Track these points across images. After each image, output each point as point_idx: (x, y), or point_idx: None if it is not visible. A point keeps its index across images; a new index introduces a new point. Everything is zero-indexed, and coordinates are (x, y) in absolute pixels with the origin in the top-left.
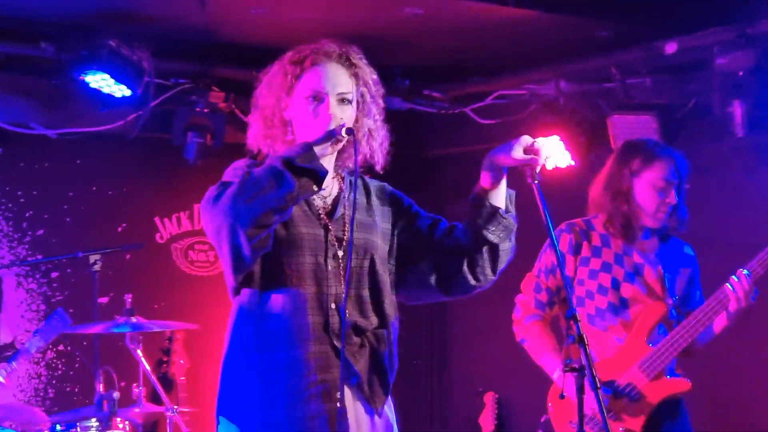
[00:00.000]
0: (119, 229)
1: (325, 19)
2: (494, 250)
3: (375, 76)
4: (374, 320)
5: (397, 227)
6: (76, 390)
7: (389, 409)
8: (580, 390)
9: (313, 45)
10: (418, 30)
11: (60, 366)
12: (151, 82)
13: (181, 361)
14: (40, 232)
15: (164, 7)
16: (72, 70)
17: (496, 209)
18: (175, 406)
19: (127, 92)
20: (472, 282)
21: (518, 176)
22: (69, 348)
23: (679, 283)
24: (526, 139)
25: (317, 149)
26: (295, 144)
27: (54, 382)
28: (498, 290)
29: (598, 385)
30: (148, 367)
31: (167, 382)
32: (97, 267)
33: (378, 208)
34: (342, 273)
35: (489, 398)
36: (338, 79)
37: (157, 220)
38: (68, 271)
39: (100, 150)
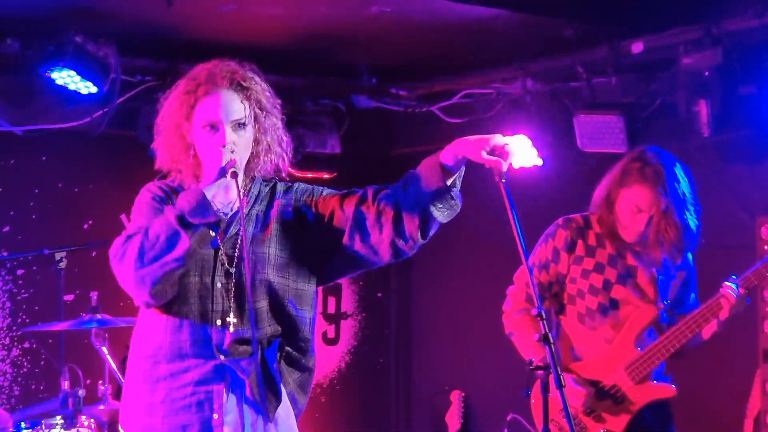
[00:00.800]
0: (85, 226)
1: (291, 15)
2: (429, 219)
3: (268, 93)
4: (272, 329)
5: (310, 217)
6: (42, 387)
7: (286, 413)
8: (545, 389)
9: (207, 69)
10: (385, 28)
11: (25, 363)
12: (117, 78)
13: None
14: (6, 228)
15: (130, 4)
16: (37, 67)
17: (448, 188)
18: None
19: (93, 89)
20: (400, 245)
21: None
22: (34, 345)
23: (672, 286)
24: (497, 139)
25: (210, 192)
26: (189, 190)
27: (19, 379)
28: (464, 288)
29: (563, 384)
30: (113, 365)
31: None
32: (62, 264)
33: (282, 214)
34: (233, 289)
35: (455, 396)
36: (231, 107)
37: (123, 217)
38: (34, 268)
39: (66, 147)
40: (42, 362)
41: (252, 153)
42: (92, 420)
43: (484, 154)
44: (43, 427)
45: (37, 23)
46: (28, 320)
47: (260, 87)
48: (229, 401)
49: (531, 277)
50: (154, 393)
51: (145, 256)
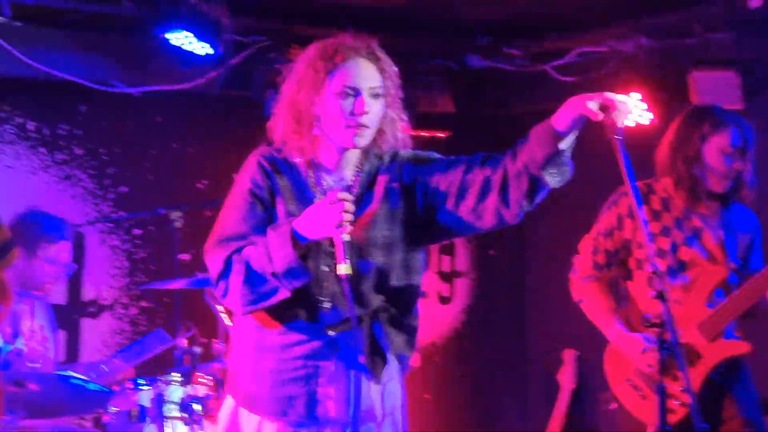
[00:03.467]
0: (200, 185)
1: None
2: (538, 185)
3: (395, 68)
4: (378, 301)
5: (416, 186)
6: None
7: (389, 377)
8: (661, 345)
9: (337, 40)
10: None
11: (143, 322)
12: (230, 39)
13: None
14: (123, 189)
15: None
16: (153, 28)
17: (561, 152)
18: None
19: (208, 50)
20: (504, 211)
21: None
22: (152, 304)
23: (740, 247)
24: (611, 96)
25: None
26: (283, 240)
27: (137, 337)
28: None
29: (678, 341)
30: (228, 323)
31: None
32: (178, 224)
33: (387, 190)
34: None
35: (568, 355)
36: (369, 74)
37: (236, 176)
38: (150, 227)
39: (181, 108)
40: (159, 320)
41: (378, 128)
42: (209, 377)
43: (597, 110)
44: (161, 384)
45: None
46: (145, 279)
47: (390, 61)
48: (337, 373)
49: (646, 231)
50: (262, 362)
51: (248, 299)
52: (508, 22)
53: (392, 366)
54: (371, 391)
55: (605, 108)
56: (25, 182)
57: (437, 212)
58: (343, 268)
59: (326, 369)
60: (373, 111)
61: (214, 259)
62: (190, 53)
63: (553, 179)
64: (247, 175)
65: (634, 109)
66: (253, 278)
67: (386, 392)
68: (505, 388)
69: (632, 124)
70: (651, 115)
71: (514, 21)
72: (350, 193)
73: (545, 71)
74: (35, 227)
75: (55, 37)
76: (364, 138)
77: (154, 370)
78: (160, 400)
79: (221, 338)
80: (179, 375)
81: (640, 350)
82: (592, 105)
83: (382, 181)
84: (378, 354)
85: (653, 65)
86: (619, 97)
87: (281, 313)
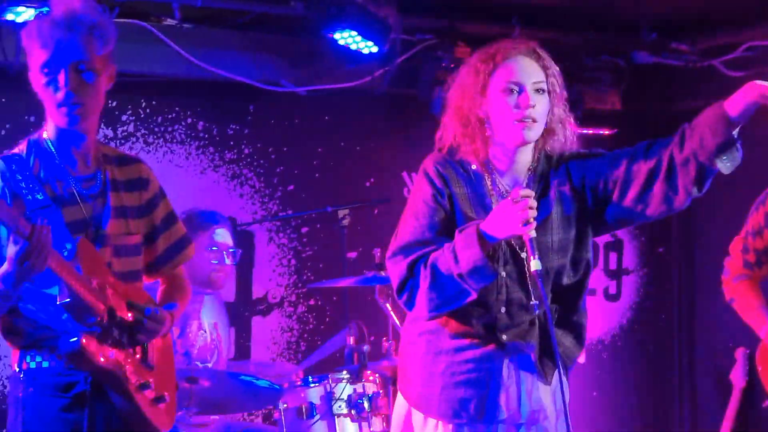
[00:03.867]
0: (367, 183)
1: None
2: (707, 171)
3: (557, 68)
4: (549, 301)
5: (585, 186)
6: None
7: (564, 380)
8: None
9: (496, 43)
10: None
11: (311, 320)
12: (397, 38)
13: None
14: (291, 187)
15: None
16: (320, 28)
17: (735, 139)
18: None
19: (374, 48)
20: (673, 198)
21: None
22: (319, 302)
23: None
24: None
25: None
26: (470, 240)
27: (305, 335)
28: None
29: None
30: (397, 321)
31: None
32: (345, 222)
33: (559, 193)
34: (516, 278)
35: (740, 353)
36: (531, 70)
37: (404, 174)
38: (318, 225)
39: (348, 106)
40: (327, 318)
41: (546, 127)
42: (377, 375)
43: None
44: (330, 381)
45: None
46: (312, 277)
47: (552, 62)
48: (509, 376)
49: None
50: (435, 365)
51: (434, 304)
52: (675, 17)
53: (561, 365)
54: (542, 391)
55: None
56: (195, 181)
57: (606, 206)
58: (534, 264)
59: (499, 373)
60: (539, 105)
61: (397, 266)
62: (357, 52)
63: (724, 166)
64: (426, 183)
65: None
66: (439, 282)
67: (557, 391)
68: (674, 387)
69: None
70: None
71: (681, 16)
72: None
73: (712, 66)
74: (188, 223)
75: (223, 39)
76: (533, 131)
77: (323, 367)
78: (329, 397)
79: (390, 336)
80: (348, 372)
81: None
82: None
83: (554, 185)
84: (548, 355)
85: None
86: None
87: (456, 317)
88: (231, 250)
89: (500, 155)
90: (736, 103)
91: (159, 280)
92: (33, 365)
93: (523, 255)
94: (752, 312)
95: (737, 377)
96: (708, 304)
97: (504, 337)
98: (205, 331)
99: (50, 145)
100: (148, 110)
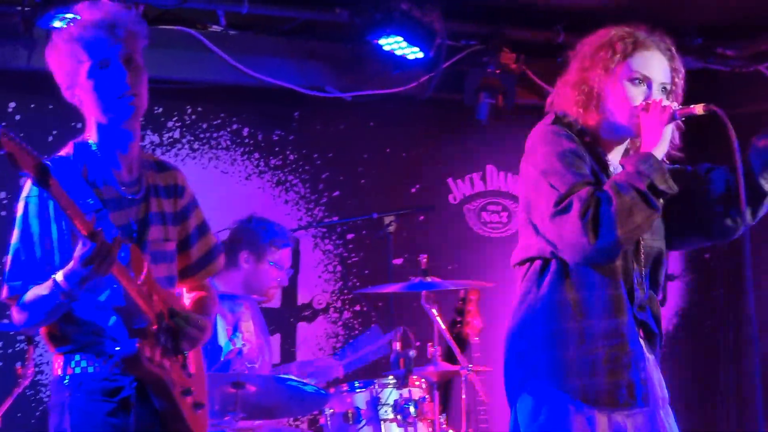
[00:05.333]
0: (413, 190)
1: None
2: (761, 197)
3: (683, 73)
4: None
5: None
6: None
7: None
8: None
9: (636, 29)
10: None
11: (356, 326)
12: (442, 43)
13: (475, 322)
14: (336, 193)
15: None
16: (365, 34)
17: None
18: (470, 365)
19: (420, 54)
20: (730, 224)
21: None
22: (365, 308)
23: None
24: None
25: (660, 153)
26: (643, 157)
27: (350, 341)
28: None
29: None
30: (443, 326)
31: (461, 342)
32: (391, 228)
33: None
34: (642, 256)
35: None
36: (663, 69)
37: (450, 181)
38: (363, 232)
39: (393, 112)
40: (372, 325)
41: None
42: (423, 380)
43: None
44: (376, 386)
45: None
46: (358, 283)
47: (682, 65)
48: (647, 358)
49: None
50: (593, 352)
51: (630, 228)
52: (721, 22)
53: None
54: (660, 376)
55: None
56: (240, 187)
57: (670, 219)
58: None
59: (641, 353)
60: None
61: (567, 206)
62: (402, 58)
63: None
64: (563, 138)
65: None
66: (627, 202)
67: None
68: (720, 394)
69: None
70: None
71: (727, 21)
72: None
73: (759, 72)
74: (264, 233)
75: (269, 45)
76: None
77: (369, 373)
78: (375, 403)
79: (436, 342)
80: (394, 378)
81: None
82: None
83: None
84: (659, 338)
85: None
86: None
87: (601, 300)
88: (289, 270)
89: (607, 135)
90: None
91: (184, 288)
92: (78, 370)
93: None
94: None
95: None
96: (755, 311)
97: (640, 312)
98: (252, 334)
99: (96, 149)
100: (193, 116)
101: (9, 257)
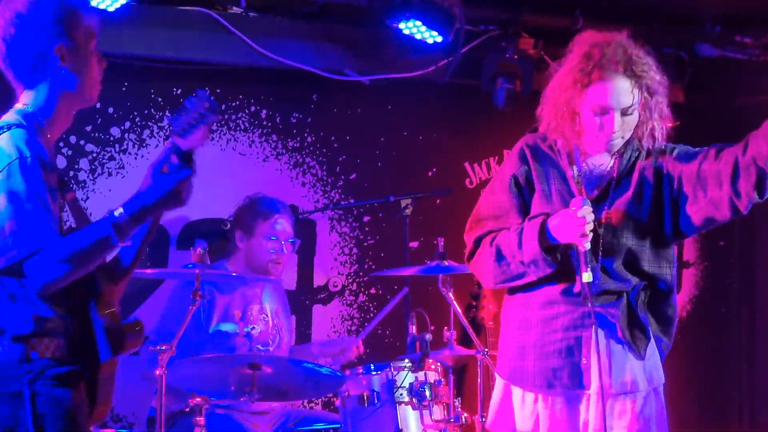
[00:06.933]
0: (429, 174)
1: None
2: (766, 178)
3: (658, 76)
4: (634, 280)
5: (664, 178)
6: (388, 332)
7: (651, 350)
8: None
9: (602, 50)
10: None
11: (372, 309)
12: (461, 28)
13: (490, 306)
14: (353, 176)
15: None
16: (385, 18)
17: None
18: (486, 349)
19: (439, 39)
20: (737, 202)
21: None
22: (380, 291)
23: None
24: None
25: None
26: (534, 239)
27: (366, 324)
28: None
29: None
30: (459, 310)
31: (476, 326)
32: (408, 211)
33: (641, 177)
34: (600, 250)
35: None
36: (623, 96)
37: (467, 165)
38: (380, 215)
39: (411, 96)
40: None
41: (633, 132)
42: (438, 364)
43: None
44: (392, 369)
45: None
46: (374, 266)
47: (651, 70)
48: (599, 345)
49: None
50: (526, 337)
51: (500, 279)
52: (740, 10)
53: (653, 345)
54: (633, 364)
55: None
56: (258, 169)
57: (681, 203)
58: (585, 277)
59: (587, 339)
60: (625, 125)
61: (468, 237)
62: (421, 42)
63: None
64: (509, 162)
65: None
66: (502, 261)
67: (649, 369)
68: (734, 380)
69: None
70: None
71: (746, 9)
72: (609, 178)
73: None
74: (249, 209)
75: (288, 28)
76: (616, 146)
77: (385, 356)
78: (390, 385)
79: (452, 325)
80: (410, 361)
81: None
82: None
83: (638, 168)
84: (639, 329)
85: None
86: None
87: (542, 288)
88: (290, 240)
89: (592, 142)
90: None
91: None
92: None
93: (600, 231)
94: None
95: None
96: None
97: (588, 304)
98: (267, 315)
99: None
100: (212, 98)
101: None
